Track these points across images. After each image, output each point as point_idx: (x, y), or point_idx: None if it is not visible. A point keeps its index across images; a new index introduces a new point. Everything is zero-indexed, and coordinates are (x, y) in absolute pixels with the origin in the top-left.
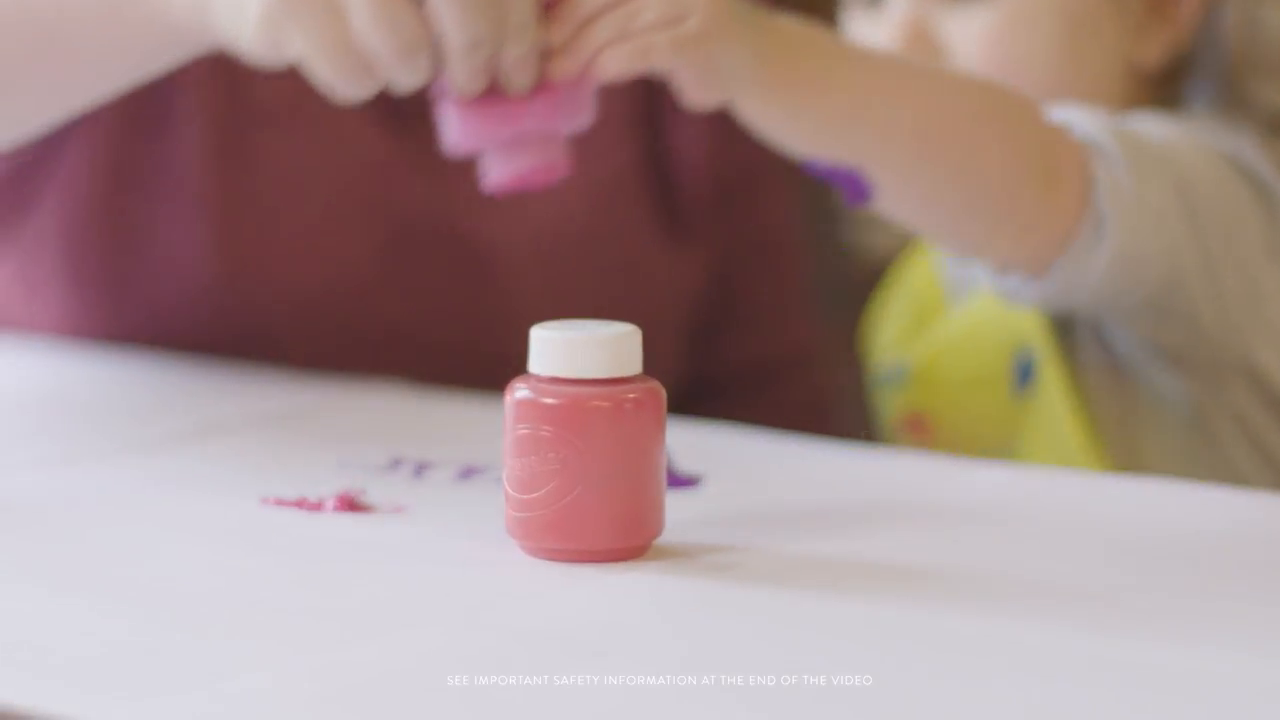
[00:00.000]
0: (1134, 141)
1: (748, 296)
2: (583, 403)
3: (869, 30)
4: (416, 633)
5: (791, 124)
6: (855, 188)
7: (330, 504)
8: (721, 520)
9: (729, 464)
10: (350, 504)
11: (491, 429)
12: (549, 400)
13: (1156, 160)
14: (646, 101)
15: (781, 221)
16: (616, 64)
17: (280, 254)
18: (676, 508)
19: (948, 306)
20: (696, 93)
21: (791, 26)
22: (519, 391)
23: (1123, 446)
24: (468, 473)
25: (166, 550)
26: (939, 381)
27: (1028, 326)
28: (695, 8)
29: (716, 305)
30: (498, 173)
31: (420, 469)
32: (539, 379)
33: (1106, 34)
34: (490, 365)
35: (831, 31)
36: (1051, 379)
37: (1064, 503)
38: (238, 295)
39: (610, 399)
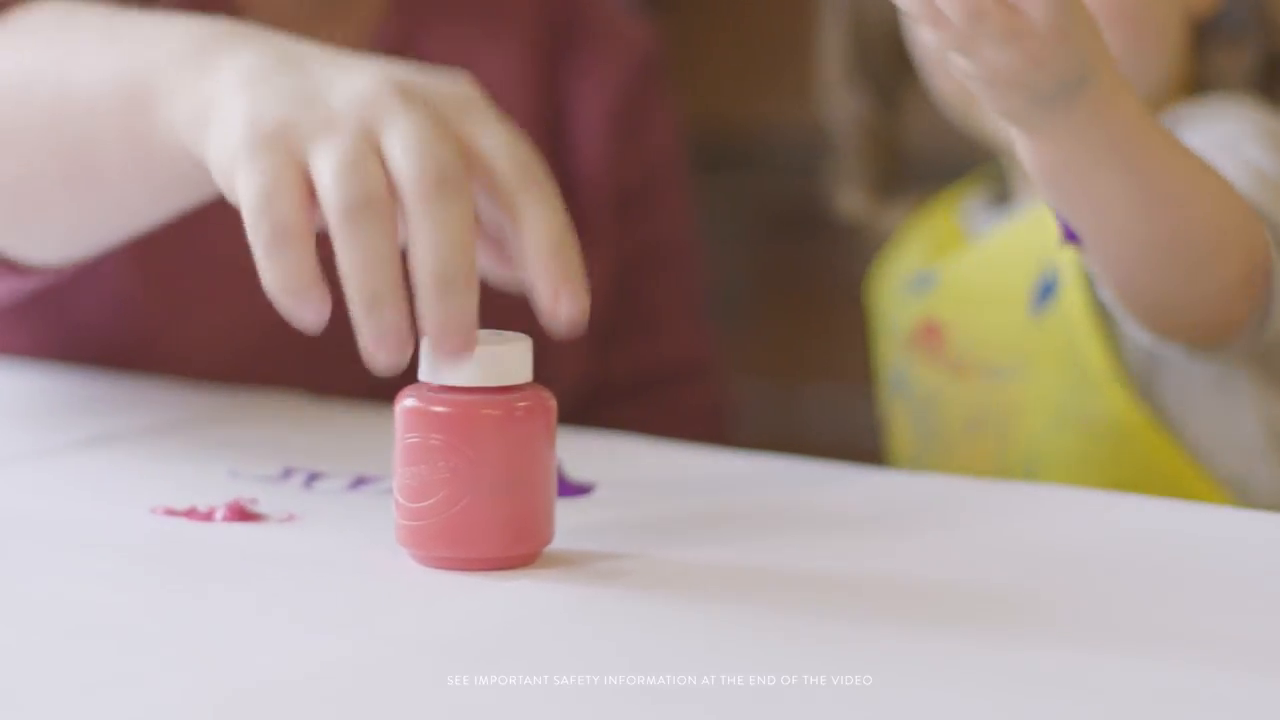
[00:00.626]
0: None
1: (644, 304)
2: (472, 411)
3: None
4: (309, 642)
5: (1046, 187)
6: (1072, 235)
7: (221, 513)
8: (612, 528)
9: (621, 472)
10: (241, 513)
11: (384, 438)
12: (438, 409)
13: None
14: (549, 107)
15: (678, 231)
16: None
17: (198, 266)
18: (567, 516)
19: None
20: (989, 98)
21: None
22: (408, 400)
23: (1146, 387)
24: (359, 482)
25: (55, 560)
26: (962, 290)
27: (1061, 253)
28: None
29: (615, 312)
30: None
31: (312, 478)
32: (429, 388)
33: None
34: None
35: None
36: (1073, 306)
37: (960, 508)
38: (156, 308)
39: (500, 407)
